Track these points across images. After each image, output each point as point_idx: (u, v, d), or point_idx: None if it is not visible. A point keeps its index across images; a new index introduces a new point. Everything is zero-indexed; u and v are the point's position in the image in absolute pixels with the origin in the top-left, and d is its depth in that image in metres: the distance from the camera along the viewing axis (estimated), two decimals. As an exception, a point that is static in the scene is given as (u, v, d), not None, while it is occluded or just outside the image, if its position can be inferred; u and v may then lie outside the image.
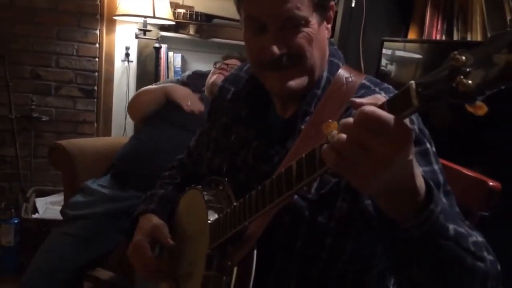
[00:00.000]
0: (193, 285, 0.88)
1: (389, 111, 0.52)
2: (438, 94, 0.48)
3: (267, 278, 0.83)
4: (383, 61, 2.07)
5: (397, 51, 1.98)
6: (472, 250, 0.64)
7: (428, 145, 0.80)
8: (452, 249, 0.61)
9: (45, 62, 2.85)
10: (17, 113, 2.81)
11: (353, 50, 2.12)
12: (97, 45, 2.91)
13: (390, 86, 0.88)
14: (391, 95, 0.81)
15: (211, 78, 2.06)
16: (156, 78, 2.92)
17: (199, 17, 3.06)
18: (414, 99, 0.49)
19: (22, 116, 2.83)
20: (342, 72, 0.88)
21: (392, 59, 2.06)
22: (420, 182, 0.58)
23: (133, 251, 0.98)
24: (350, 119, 0.53)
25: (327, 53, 0.91)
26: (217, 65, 2.09)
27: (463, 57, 0.46)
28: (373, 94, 0.80)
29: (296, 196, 0.80)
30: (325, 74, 0.89)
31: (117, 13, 2.76)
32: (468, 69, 0.45)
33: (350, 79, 0.87)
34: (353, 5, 2.09)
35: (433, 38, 1.85)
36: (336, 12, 2.14)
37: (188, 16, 3.07)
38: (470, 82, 0.45)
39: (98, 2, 2.86)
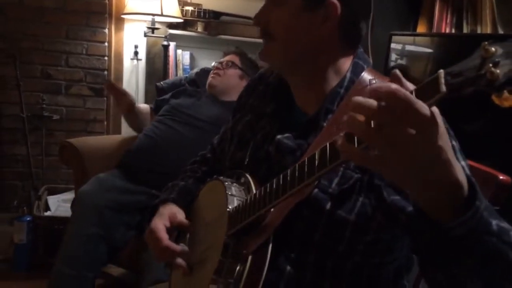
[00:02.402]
0: (206, 271, 0.89)
1: (418, 97, 0.52)
2: (467, 82, 0.49)
3: (283, 269, 0.84)
4: (393, 56, 2.06)
5: (407, 46, 1.96)
6: None
7: (454, 142, 0.81)
8: (495, 244, 0.61)
9: (55, 61, 2.88)
10: (28, 112, 2.84)
11: (361, 45, 2.11)
12: (106, 43, 2.93)
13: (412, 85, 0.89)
14: None
15: (208, 79, 2.11)
16: (164, 76, 2.93)
17: (207, 14, 3.06)
18: (442, 86, 0.51)
19: (33, 115, 2.86)
20: (366, 75, 0.89)
21: (402, 54, 2.05)
22: (462, 177, 0.58)
23: (149, 234, 1.00)
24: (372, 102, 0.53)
25: (321, 48, 0.89)
26: (213, 66, 2.15)
27: (493, 48, 0.48)
28: None
29: (316, 190, 0.81)
30: (348, 74, 0.90)
31: (125, 11, 2.77)
32: (497, 59, 0.47)
33: (374, 81, 0.87)
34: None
35: (443, 31, 1.84)
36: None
37: (196, 14, 3.07)
38: (498, 71, 0.47)
39: (107, 1, 2.87)
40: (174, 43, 3.08)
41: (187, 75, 2.63)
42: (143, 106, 2.34)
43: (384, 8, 2.11)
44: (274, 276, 0.82)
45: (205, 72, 2.38)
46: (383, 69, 2.00)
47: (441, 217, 0.59)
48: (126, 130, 2.99)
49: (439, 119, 0.54)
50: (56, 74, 2.89)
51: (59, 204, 2.61)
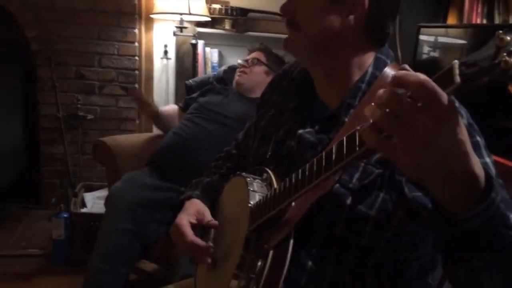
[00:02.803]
0: (229, 265, 0.91)
1: None
2: (481, 72, 0.49)
3: (304, 264, 0.84)
4: (425, 48, 2.01)
5: (440, 37, 1.92)
6: None
7: (478, 138, 0.80)
8: (510, 238, 0.60)
9: (88, 62, 2.97)
10: (64, 112, 2.94)
11: (389, 40, 2.08)
12: (137, 44, 3.00)
13: None
14: None
15: (235, 78, 2.12)
16: (193, 74, 2.98)
17: (234, 12, 3.08)
18: (456, 76, 0.50)
19: (69, 115, 2.96)
20: (389, 70, 0.89)
21: (435, 46, 2.00)
22: (479, 169, 0.57)
23: (174, 229, 1.03)
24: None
25: (345, 41, 0.89)
26: (238, 64, 2.16)
27: (508, 37, 0.48)
28: None
29: (337, 185, 0.81)
30: (370, 69, 0.89)
31: (154, 11, 2.82)
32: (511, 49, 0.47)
33: None
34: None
35: (473, 22, 1.79)
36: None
37: (223, 11, 3.10)
38: None
39: (136, 1, 2.93)
40: (203, 41, 3.12)
41: (215, 73, 2.66)
42: (170, 107, 2.38)
43: (413, 1, 2.07)
44: (295, 272, 0.83)
45: (232, 69, 2.40)
46: (412, 61, 1.96)
47: (458, 209, 0.58)
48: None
49: (457, 112, 0.53)
50: (89, 74, 2.98)
51: (95, 201, 2.69)
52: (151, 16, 2.93)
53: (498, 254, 0.60)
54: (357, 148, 0.63)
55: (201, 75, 3.00)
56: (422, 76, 0.51)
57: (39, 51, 2.89)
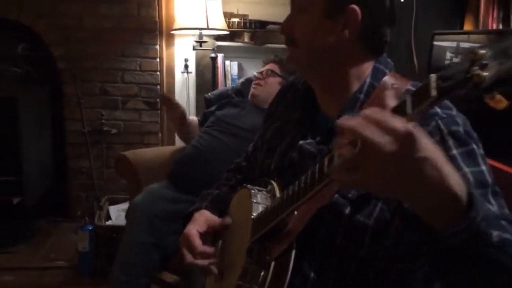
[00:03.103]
0: (233, 276, 0.92)
1: (413, 102, 0.53)
2: (456, 85, 0.50)
3: (306, 274, 0.85)
4: (448, 54, 2.00)
5: (462, 43, 1.90)
6: None
7: (474, 146, 0.80)
8: (496, 255, 0.60)
9: (112, 78, 3.06)
10: (89, 128, 3.03)
11: (404, 47, 2.07)
12: (158, 59, 3.07)
13: None
14: None
15: (251, 90, 2.14)
16: (213, 87, 3.02)
17: (252, 25, 3.13)
18: (433, 90, 0.51)
19: (94, 130, 3.05)
20: (388, 79, 0.90)
21: (457, 51, 1.98)
22: (458, 187, 0.57)
23: (183, 239, 1.05)
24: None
25: (342, 54, 0.91)
26: (254, 76, 2.18)
27: (482, 51, 0.48)
28: None
29: (337, 195, 0.82)
30: (368, 80, 0.90)
31: (174, 27, 2.89)
32: (485, 62, 0.48)
33: (395, 86, 0.88)
34: (401, 0, 2.04)
35: (489, 27, 1.77)
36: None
37: (242, 25, 3.15)
38: (485, 73, 0.47)
39: (157, 19, 3.01)
40: (222, 54, 3.17)
41: (233, 85, 2.70)
42: (192, 118, 2.43)
43: (427, 7, 2.06)
44: (298, 282, 0.84)
45: (250, 81, 2.42)
46: (427, 68, 1.95)
47: (439, 226, 0.59)
48: (180, 141, 3.13)
49: (419, 131, 0.53)
50: (113, 90, 3.07)
51: (119, 214, 2.75)
52: (172, 32, 3.00)
53: (480, 271, 0.61)
54: None
55: (221, 87, 3.05)
56: (366, 111, 0.54)
57: (66, 69, 3.00)
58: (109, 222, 2.66)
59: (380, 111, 0.54)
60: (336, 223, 0.83)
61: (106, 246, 2.44)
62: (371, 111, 0.54)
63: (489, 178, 0.76)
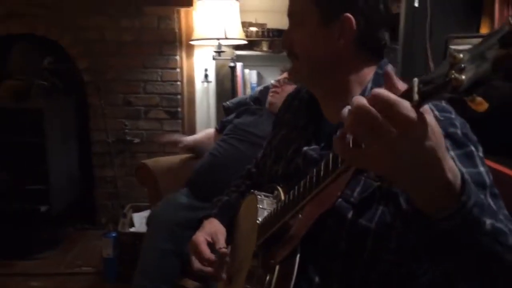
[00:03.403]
0: (241, 280, 0.95)
1: None
2: (436, 89, 0.50)
3: (311, 278, 0.87)
4: (464, 58, 1.98)
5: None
6: None
7: (472, 148, 0.80)
8: (489, 244, 0.61)
9: (134, 89, 3.14)
10: (113, 137, 3.12)
11: (419, 52, 2.06)
12: (178, 69, 3.14)
13: None
14: (437, 102, 0.82)
15: (268, 98, 2.17)
16: (233, 95, 3.07)
17: (271, 33, 3.17)
18: (415, 94, 0.52)
19: (118, 139, 3.14)
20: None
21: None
22: (452, 175, 0.58)
23: (191, 245, 1.09)
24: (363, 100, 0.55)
25: (342, 61, 0.93)
26: (271, 84, 2.21)
27: (461, 55, 0.49)
28: None
29: (340, 200, 0.84)
30: (369, 85, 0.92)
31: (193, 38, 2.96)
32: (463, 65, 0.48)
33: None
34: (416, 4, 2.04)
35: (505, 30, 1.74)
36: (398, 15, 2.10)
37: (260, 33, 3.19)
38: (463, 77, 0.47)
39: (176, 30, 3.08)
40: (241, 63, 3.22)
41: (251, 93, 2.73)
42: (204, 133, 2.48)
43: (442, 11, 2.04)
44: (303, 286, 0.86)
45: (268, 89, 2.45)
46: (443, 74, 1.93)
47: (431, 211, 0.59)
48: (201, 149, 3.18)
49: (429, 119, 0.54)
50: (135, 101, 3.15)
51: (142, 221, 2.81)
52: (191, 42, 3.07)
53: (475, 260, 0.61)
54: (339, 165, 0.66)
55: (240, 96, 3.09)
56: (379, 90, 0.53)
57: (90, 81, 3.10)
58: (132, 229, 2.72)
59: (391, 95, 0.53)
60: (339, 227, 0.85)
61: (129, 253, 2.50)
62: (380, 90, 0.53)
63: (487, 180, 0.76)
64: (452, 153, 0.77)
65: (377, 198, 0.83)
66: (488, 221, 0.60)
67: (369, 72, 0.93)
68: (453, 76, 0.48)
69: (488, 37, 0.48)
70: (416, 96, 0.52)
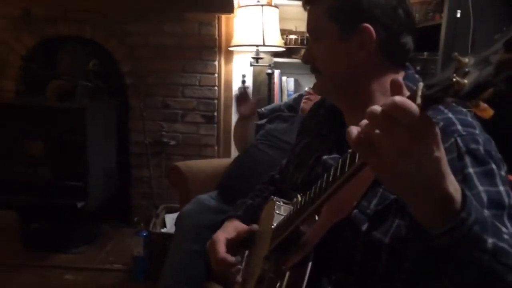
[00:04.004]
0: (252, 284, 0.95)
1: None
2: (438, 93, 0.50)
3: None
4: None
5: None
6: None
7: (493, 166, 0.77)
8: (490, 263, 0.59)
9: (173, 93, 3.21)
10: (150, 139, 3.20)
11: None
12: (216, 75, 3.18)
13: (464, 109, 0.86)
14: (462, 117, 0.80)
15: (301, 105, 2.16)
16: (269, 102, 3.08)
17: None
18: (418, 98, 0.52)
19: (155, 141, 3.21)
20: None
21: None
22: (454, 189, 0.57)
23: (209, 245, 1.10)
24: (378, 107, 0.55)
25: (362, 72, 0.91)
26: (305, 91, 2.20)
27: (466, 59, 0.48)
28: (442, 115, 0.80)
29: (356, 211, 0.83)
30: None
31: (232, 44, 3.00)
32: (467, 69, 0.47)
33: None
34: (458, 15, 1.98)
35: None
36: (439, 25, 2.05)
37: (299, 41, 3.20)
38: (466, 81, 0.47)
39: (216, 36, 3.13)
40: (279, 70, 3.22)
41: (286, 101, 2.74)
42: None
43: (485, 21, 1.98)
44: None
45: (302, 97, 2.45)
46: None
47: (430, 225, 0.58)
48: (235, 154, 3.20)
49: (437, 130, 0.54)
50: (173, 104, 3.22)
51: (174, 222, 2.86)
52: (230, 48, 3.11)
53: (475, 278, 0.59)
54: (346, 169, 0.65)
55: (275, 103, 3.10)
56: (394, 98, 0.53)
57: (131, 84, 3.19)
58: (164, 230, 2.77)
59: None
60: (354, 238, 0.83)
61: (159, 252, 2.55)
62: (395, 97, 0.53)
63: (506, 200, 0.73)
64: (471, 170, 0.75)
65: (393, 211, 0.81)
66: (490, 240, 0.58)
67: None
68: (455, 79, 0.47)
69: (494, 42, 0.46)
70: (419, 100, 0.51)
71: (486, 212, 0.67)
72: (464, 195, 0.58)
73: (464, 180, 0.74)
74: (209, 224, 1.95)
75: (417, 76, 0.95)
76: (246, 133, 2.31)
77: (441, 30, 2.03)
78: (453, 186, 0.57)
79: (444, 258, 0.59)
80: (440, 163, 0.55)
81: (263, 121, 2.36)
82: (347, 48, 0.89)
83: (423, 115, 0.52)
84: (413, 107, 0.51)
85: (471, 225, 0.57)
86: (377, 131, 0.54)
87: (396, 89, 0.55)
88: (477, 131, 0.81)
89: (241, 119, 2.41)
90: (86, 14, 3.11)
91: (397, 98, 0.52)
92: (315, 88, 1.01)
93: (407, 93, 0.55)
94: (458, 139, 0.78)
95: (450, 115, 0.83)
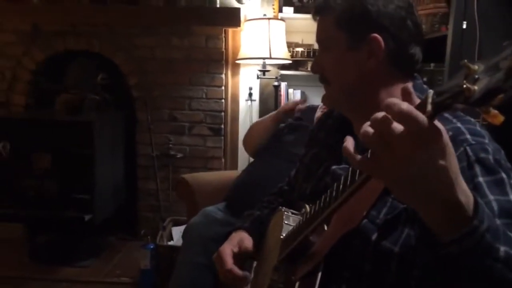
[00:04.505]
0: None
1: None
2: (448, 100, 0.50)
3: None
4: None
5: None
6: None
7: (503, 175, 0.77)
8: (502, 272, 0.58)
9: (180, 106, 3.22)
10: (158, 152, 3.21)
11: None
12: (223, 87, 3.20)
13: (472, 119, 0.86)
14: (470, 126, 0.80)
15: (317, 114, 2.16)
16: (276, 115, 3.08)
17: (316, 53, 3.17)
18: (428, 105, 0.52)
19: (162, 154, 3.22)
20: None
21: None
22: (465, 197, 0.57)
23: (217, 256, 1.09)
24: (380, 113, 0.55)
25: (372, 81, 0.92)
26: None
27: (476, 66, 0.48)
28: (450, 125, 0.80)
29: (365, 220, 0.83)
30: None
31: (239, 57, 3.02)
32: (477, 76, 0.47)
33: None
34: (464, 26, 1.98)
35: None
36: (445, 36, 2.06)
37: (306, 54, 3.21)
38: (475, 87, 0.47)
39: (223, 50, 3.15)
40: (285, 83, 3.24)
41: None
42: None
43: (492, 32, 1.98)
44: None
45: (310, 109, 2.45)
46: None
47: (441, 232, 0.58)
48: (242, 166, 3.20)
49: (445, 139, 0.54)
50: (181, 117, 3.23)
51: (181, 235, 2.85)
52: (237, 61, 3.13)
53: (485, 286, 0.58)
54: (356, 178, 0.65)
55: (283, 115, 3.10)
56: (392, 100, 0.53)
57: (139, 97, 3.21)
58: (171, 242, 2.76)
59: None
60: (364, 248, 0.83)
61: (166, 265, 2.54)
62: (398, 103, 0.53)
63: None
64: (481, 179, 0.75)
65: (403, 220, 0.81)
66: (502, 248, 0.58)
67: None
68: (465, 86, 0.47)
69: (503, 49, 0.47)
70: (429, 107, 0.51)
71: (497, 221, 0.67)
72: (476, 203, 0.58)
73: (474, 189, 0.73)
74: (216, 236, 1.94)
75: (425, 86, 0.96)
76: (265, 134, 2.27)
77: (447, 41, 2.03)
78: (464, 194, 0.56)
79: (456, 266, 0.59)
80: (447, 171, 0.54)
81: (284, 124, 2.34)
82: (356, 57, 0.90)
83: (430, 123, 0.52)
84: (419, 115, 0.51)
85: (484, 233, 0.57)
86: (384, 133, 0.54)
87: (406, 96, 0.55)
88: (486, 140, 0.80)
89: (275, 118, 2.35)
90: (94, 28, 3.15)
91: (404, 106, 0.52)
92: (324, 100, 1.00)
93: (417, 101, 0.55)
94: (468, 148, 0.78)
95: (459, 124, 0.83)
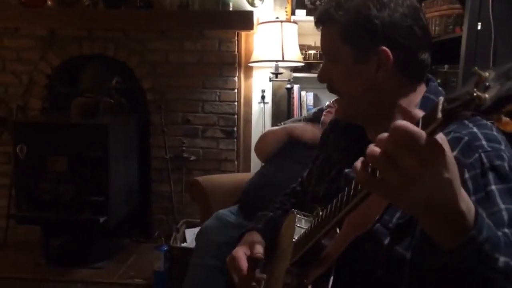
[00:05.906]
0: None
1: (422, 126, 0.54)
2: (459, 108, 0.50)
3: None
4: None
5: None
6: None
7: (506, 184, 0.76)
8: (501, 283, 0.58)
9: (193, 109, 3.24)
10: (171, 154, 3.23)
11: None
12: (236, 90, 3.21)
13: (488, 123, 0.85)
14: (487, 131, 0.79)
15: (322, 118, 2.15)
16: (289, 117, 3.09)
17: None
18: (438, 113, 0.52)
19: (175, 156, 3.24)
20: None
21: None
22: (466, 207, 0.57)
23: (230, 260, 1.09)
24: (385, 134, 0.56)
25: (377, 92, 0.91)
26: (326, 105, 2.20)
27: (486, 73, 0.48)
28: (466, 130, 0.80)
29: (378, 224, 0.82)
30: (416, 108, 0.90)
31: (252, 60, 3.02)
32: (487, 84, 0.47)
33: None
34: (479, 27, 1.96)
35: None
36: (459, 38, 2.04)
37: (318, 57, 3.21)
38: (486, 95, 0.47)
39: (236, 53, 3.17)
40: (298, 85, 3.24)
41: (305, 115, 2.74)
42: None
43: (508, 33, 1.96)
44: None
45: (322, 111, 2.45)
46: None
47: (442, 242, 0.58)
48: (255, 168, 3.20)
49: (446, 149, 0.54)
50: (194, 119, 3.25)
51: (194, 237, 2.86)
52: (249, 64, 3.14)
53: None
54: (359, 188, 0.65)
55: (296, 117, 3.10)
56: (397, 122, 0.54)
57: (153, 100, 3.24)
58: (184, 244, 2.78)
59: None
60: (376, 253, 0.82)
61: (179, 267, 2.55)
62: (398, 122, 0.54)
63: None
64: (493, 187, 0.74)
65: (415, 225, 0.80)
66: (502, 259, 0.58)
67: (417, 97, 0.91)
68: (475, 94, 0.47)
69: None
70: (439, 114, 0.51)
71: (505, 231, 0.67)
72: (476, 213, 0.58)
73: (486, 197, 0.73)
74: (230, 240, 1.95)
75: (440, 88, 0.95)
76: (277, 145, 2.26)
77: (461, 42, 2.01)
78: (466, 204, 0.57)
79: (455, 275, 0.59)
80: (452, 183, 0.55)
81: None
82: (364, 70, 0.89)
83: (430, 139, 0.52)
84: (418, 132, 0.52)
85: (482, 243, 0.57)
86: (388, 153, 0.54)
87: (406, 114, 0.56)
88: (502, 147, 0.79)
89: (288, 134, 2.31)
90: (109, 33, 3.19)
91: (398, 123, 0.53)
92: (338, 114, 1.00)
93: (421, 113, 0.55)
94: (483, 155, 0.77)
95: (475, 129, 0.81)
